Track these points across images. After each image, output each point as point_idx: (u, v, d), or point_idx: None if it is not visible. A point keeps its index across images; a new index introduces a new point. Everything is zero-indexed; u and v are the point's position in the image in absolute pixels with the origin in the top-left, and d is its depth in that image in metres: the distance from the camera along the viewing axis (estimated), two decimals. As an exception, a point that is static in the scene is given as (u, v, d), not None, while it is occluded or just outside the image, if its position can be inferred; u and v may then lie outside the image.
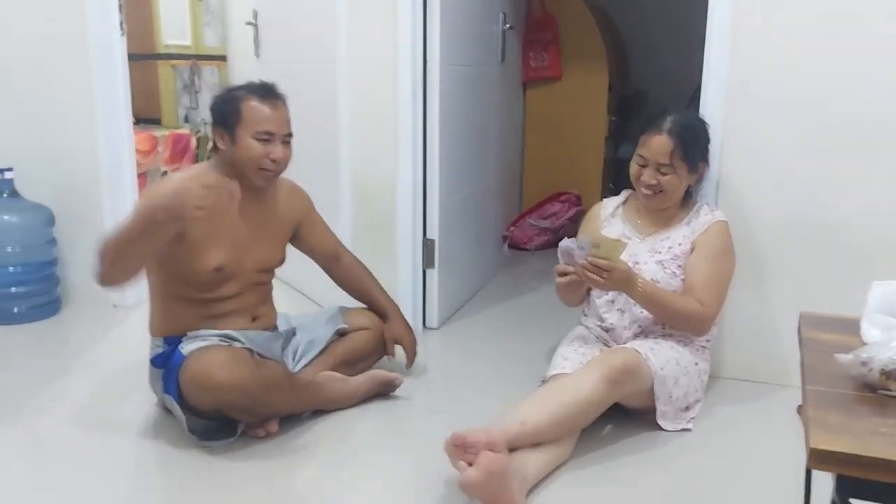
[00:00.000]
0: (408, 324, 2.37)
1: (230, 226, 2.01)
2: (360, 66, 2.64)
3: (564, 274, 2.01)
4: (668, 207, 2.17)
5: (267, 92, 2.02)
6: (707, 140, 2.18)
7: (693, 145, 2.10)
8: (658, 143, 2.08)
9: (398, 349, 2.36)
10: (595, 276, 1.94)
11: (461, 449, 1.67)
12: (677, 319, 2.06)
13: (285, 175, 2.12)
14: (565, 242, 2.00)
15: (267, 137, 1.98)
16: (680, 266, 2.11)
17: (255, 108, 1.98)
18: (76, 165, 2.95)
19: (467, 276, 3.19)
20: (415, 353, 2.32)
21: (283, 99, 2.06)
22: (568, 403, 1.83)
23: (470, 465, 1.63)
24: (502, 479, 1.62)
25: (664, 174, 2.08)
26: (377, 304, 2.34)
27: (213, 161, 2.09)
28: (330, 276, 2.36)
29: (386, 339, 2.30)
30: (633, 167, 2.15)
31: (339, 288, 2.39)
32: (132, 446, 1.99)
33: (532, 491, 1.76)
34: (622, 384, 1.90)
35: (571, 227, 3.81)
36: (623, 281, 1.96)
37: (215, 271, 1.99)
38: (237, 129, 1.98)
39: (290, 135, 2.05)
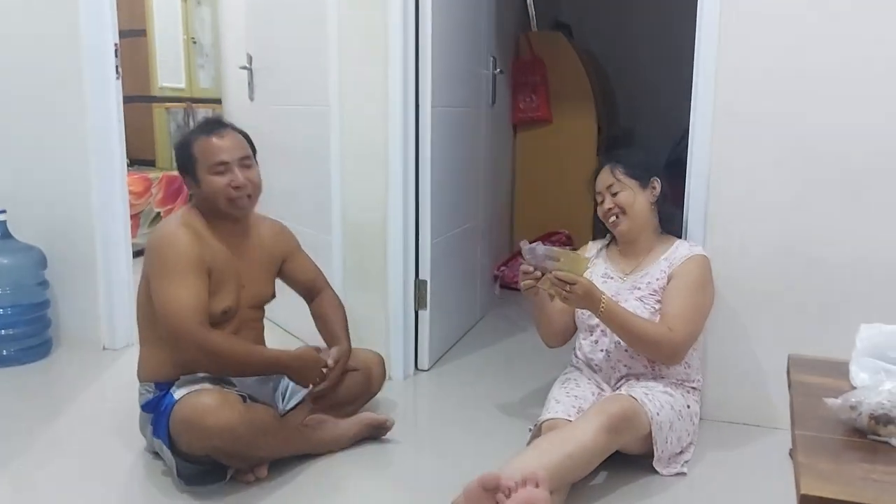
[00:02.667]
0: (348, 354, 2.21)
1: (231, 266, 2.04)
2: (351, 109, 2.67)
3: (528, 276, 1.99)
4: (640, 235, 2.21)
5: (211, 126, 2.05)
6: (652, 160, 2.32)
7: (631, 161, 2.23)
8: (602, 175, 2.24)
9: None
10: (559, 290, 1.95)
11: (492, 493, 1.58)
12: (645, 343, 2.05)
13: (279, 215, 2.12)
14: (525, 243, 2.02)
15: (222, 168, 1.99)
16: (659, 301, 2.12)
17: (203, 144, 2.01)
18: (69, 207, 2.96)
19: (458, 317, 3.19)
20: (341, 368, 2.16)
21: (231, 126, 2.08)
22: (571, 454, 1.79)
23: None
24: None
25: (615, 193, 2.18)
26: (330, 334, 2.25)
27: (192, 204, 2.09)
28: (309, 308, 2.35)
29: (324, 348, 2.23)
30: (598, 209, 2.26)
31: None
32: (121, 491, 1.97)
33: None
34: (622, 431, 1.89)
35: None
36: (586, 296, 1.96)
37: (222, 314, 2.00)
38: (197, 171, 2.01)
39: (246, 157, 2.04)
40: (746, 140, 2.27)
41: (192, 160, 2.02)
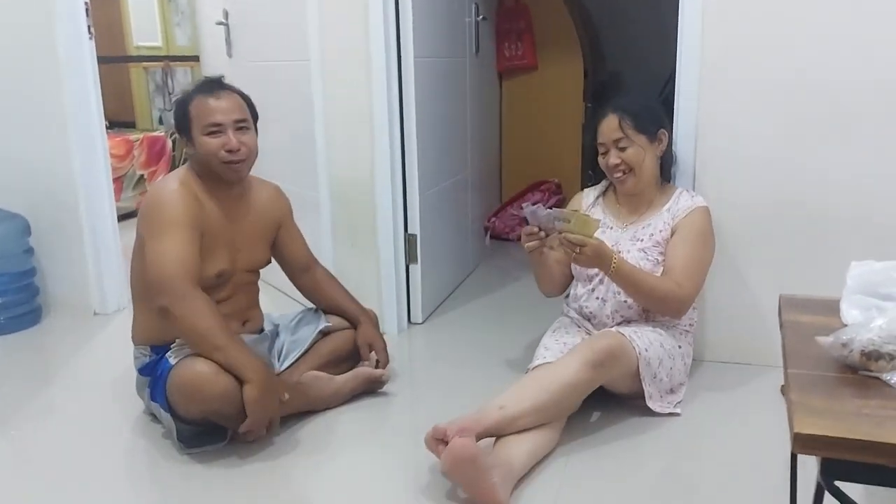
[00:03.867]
0: (378, 329, 2.34)
1: (226, 229, 2.02)
2: (333, 61, 2.61)
3: (529, 234, 1.98)
4: (645, 190, 2.18)
5: (210, 86, 2.01)
6: (657, 109, 2.22)
7: (641, 114, 2.13)
8: (607, 123, 2.12)
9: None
10: (570, 251, 1.94)
11: (438, 441, 1.70)
12: (653, 300, 2.06)
13: (265, 173, 2.10)
14: (528, 206, 2.01)
15: (216, 129, 1.96)
16: (662, 253, 2.12)
17: (199, 104, 1.97)
18: (50, 173, 2.90)
19: (450, 269, 3.19)
20: (387, 358, 2.29)
21: (230, 88, 2.03)
22: (548, 388, 1.84)
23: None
24: (473, 465, 1.63)
25: (623, 149, 2.11)
26: (347, 312, 2.31)
27: (188, 165, 2.06)
28: (298, 287, 2.33)
29: (359, 344, 2.27)
30: (599, 159, 2.18)
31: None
32: (121, 455, 1.98)
33: (521, 480, 1.77)
34: (606, 366, 1.91)
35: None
36: (596, 257, 1.95)
37: (216, 277, 1.99)
38: (192, 131, 1.98)
39: (242, 120, 2.00)
40: (732, 87, 2.24)
41: (187, 119, 1.98)
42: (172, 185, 1.98)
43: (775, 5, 2.16)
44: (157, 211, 1.93)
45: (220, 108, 1.97)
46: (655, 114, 2.19)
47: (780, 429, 1.91)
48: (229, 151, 1.96)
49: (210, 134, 1.96)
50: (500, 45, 4.13)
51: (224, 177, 2.00)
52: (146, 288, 1.97)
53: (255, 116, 2.07)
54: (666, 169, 2.23)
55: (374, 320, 2.34)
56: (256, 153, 2.05)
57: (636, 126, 2.10)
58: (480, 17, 3.41)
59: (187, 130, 1.99)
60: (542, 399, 1.83)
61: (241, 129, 1.99)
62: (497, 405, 1.82)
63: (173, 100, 2.10)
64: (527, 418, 1.82)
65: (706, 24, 2.22)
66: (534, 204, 2.03)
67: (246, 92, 2.09)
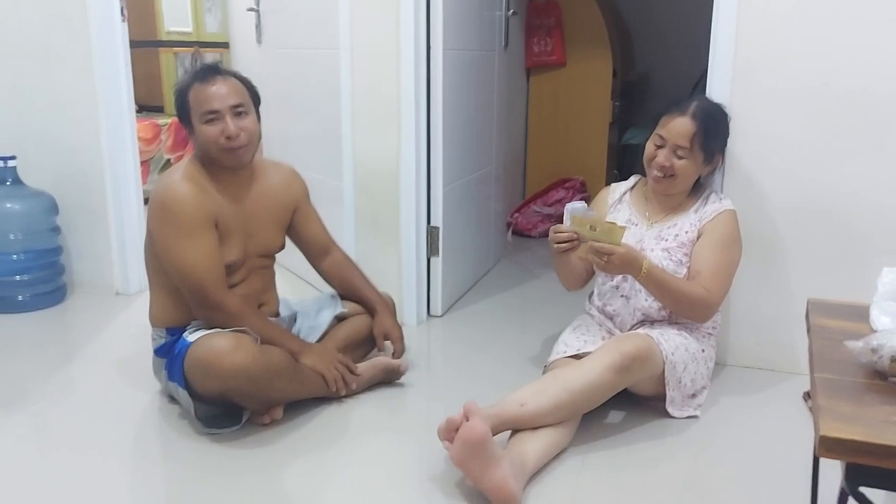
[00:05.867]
0: (395, 318, 2.33)
1: (236, 215, 2.02)
2: (362, 51, 2.61)
3: (562, 238, 1.95)
4: (676, 194, 2.15)
5: (204, 72, 1.98)
6: (727, 133, 2.15)
7: (714, 134, 2.07)
8: (681, 125, 2.04)
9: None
10: (597, 259, 1.92)
11: (451, 431, 1.68)
12: (682, 305, 2.03)
13: (290, 160, 2.09)
14: (572, 204, 1.99)
15: (213, 116, 1.94)
16: (686, 254, 2.09)
17: (195, 92, 1.95)
18: (79, 153, 2.94)
19: (471, 263, 3.18)
20: (403, 348, 2.29)
21: (225, 72, 2.00)
22: (571, 389, 1.82)
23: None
24: (483, 449, 1.61)
25: (680, 157, 2.05)
26: (365, 300, 2.30)
27: (192, 156, 2.06)
28: (317, 270, 2.33)
29: (375, 334, 2.27)
30: (649, 147, 2.10)
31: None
32: (138, 434, 2.00)
33: (535, 477, 1.76)
34: (632, 371, 1.89)
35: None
36: (625, 264, 1.92)
37: (227, 267, 2.00)
38: (192, 120, 1.97)
39: (239, 105, 1.96)
40: (762, 92, 2.21)
41: (186, 108, 1.97)
42: (179, 184, 1.95)
43: (809, 11, 2.13)
44: (170, 214, 1.93)
45: (216, 94, 1.94)
46: (724, 136, 2.15)
47: (801, 436, 1.89)
48: (228, 138, 1.93)
49: (208, 122, 1.94)
50: (529, 41, 4.12)
51: (225, 163, 1.98)
52: (160, 274, 2.01)
53: (256, 100, 2.04)
54: (700, 186, 2.19)
55: (391, 308, 2.34)
56: (259, 137, 2.03)
57: (703, 143, 2.04)
58: (511, 11, 3.39)
59: (187, 119, 1.98)
60: (563, 399, 1.82)
61: (238, 114, 1.96)
62: (518, 401, 1.80)
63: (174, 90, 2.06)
64: (546, 417, 1.80)
65: (740, 29, 2.19)
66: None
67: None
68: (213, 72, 1.99)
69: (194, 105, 1.95)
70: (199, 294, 1.93)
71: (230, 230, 2.00)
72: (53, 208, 2.90)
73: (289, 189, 2.19)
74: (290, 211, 2.20)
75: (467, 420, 1.64)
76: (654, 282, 1.97)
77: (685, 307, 2.04)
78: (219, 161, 1.98)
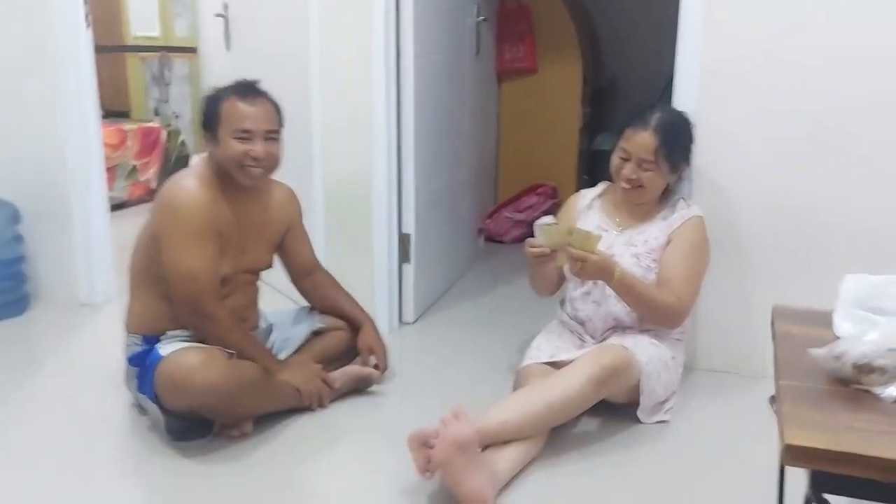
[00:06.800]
0: (379, 334, 2.34)
1: (235, 230, 2.00)
2: (332, 57, 2.60)
3: (536, 252, 1.96)
4: (645, 202, 2.17)
5: (246, 90, 1.99)
6: (690, 140, 2.17)
7: (677, 145, 2.09)
8: (642, 139, 2.06)
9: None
10: (572, 265, 1.93)
11: (421, 444, 1.68)
12: (653, 312, 2.06)
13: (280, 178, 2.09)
14: (541, 220, 2.01)
15: (245, 136, 1.94)
16: (655, 260, 2.11)
17: (233, 106, 1.95)
18: (42, 161, 2.87)
19: (443, 270, 3.18)
20: (386, 364, 2.30)
21: (265, 95, 2.01)
22: (552, 403, 1.83)
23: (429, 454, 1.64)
24: (468, 453, 1.60)
25: (645, 170, 2.07)
26: (349, 316, 2.31)
27: (205, 160, 2.05)
28: (300, 290, 2.32)
29: (360, 348, 2.27)
30: (615, 160, 2.12)
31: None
32: (106, 447, 1.96)
33: (507, 486, 1.75)
34: (609, 384, 1.91)
35: (547, 220, 3.80)
36: (598, 271, 1.95)
37: (221, 280, 1.98)
38: (219, 131, 1.96)
39: (273, 131, 1.99)
40: (730, 98, 2.24)
41: (216, 118, 1.96)
42: (194, 187, 1.95)
43: (776, 17, 2.16)
44: (181, 215, 1.91)
45: (254, 115, 1.95)
46: (688, 147, 2.16)
47: (768, 440, 1.91)
48: (255, 159, 1.95)
49: (238, 139, 1.94)
50: (500, 47, 4.12)
51: (239, 180, 1.98)
52: (149, 278, 1.98)
53: (282, 125, 2.05)
54: (669, 192, 2.21)
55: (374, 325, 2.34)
56: (279, 163, 2.03)
57: (667, 155, 2.06)
58: (481, 18, 3.40)
59: (214, 129, 1.97)
60: (544, 414, 1.83)
61: (269, 139, 1.98)
62: (500, 419, 1.80)
63: (203, 94, 2.05)
64: (527, 432, 1.82)
65: (707, 37, 2.22)
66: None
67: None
68: (253, 91, 1.99)
69: (227, 117, 1.94)
70: (193, 302, 1.90)
71: (228, 243, 1.99)
72: (15, 216, 2.83)
73: (285, 209, 2.19)
74: (283, 231, 2.20)
75: (456, 420, 1.63)
76: (627, 288, 1.99)
77: (656, 314, 2.06)
78: (233, 176, 1.97)
